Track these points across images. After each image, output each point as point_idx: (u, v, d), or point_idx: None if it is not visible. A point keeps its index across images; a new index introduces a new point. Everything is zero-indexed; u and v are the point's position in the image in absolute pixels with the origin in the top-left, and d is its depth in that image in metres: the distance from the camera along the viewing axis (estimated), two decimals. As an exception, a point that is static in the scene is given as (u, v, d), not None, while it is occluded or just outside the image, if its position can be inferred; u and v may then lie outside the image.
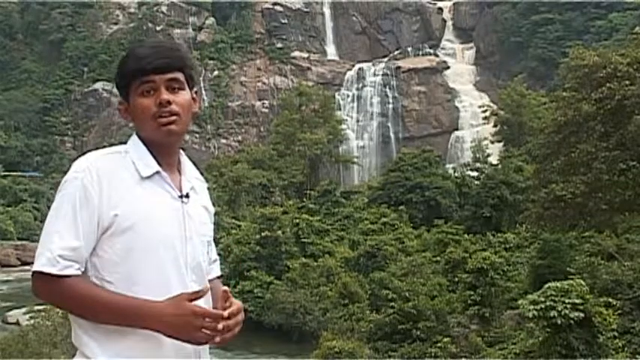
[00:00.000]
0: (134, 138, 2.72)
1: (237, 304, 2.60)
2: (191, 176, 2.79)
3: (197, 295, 2.51)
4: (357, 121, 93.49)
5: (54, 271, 2.50)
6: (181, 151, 2.79)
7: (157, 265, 2.56)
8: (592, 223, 33.37)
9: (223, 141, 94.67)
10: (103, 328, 2.54)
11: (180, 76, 2.69)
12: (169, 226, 2.61)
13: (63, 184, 2.62)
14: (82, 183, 2.57)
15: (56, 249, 2.51)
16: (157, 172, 2.66)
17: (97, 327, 2.55)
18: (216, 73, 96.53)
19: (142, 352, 2.54)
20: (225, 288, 2.65)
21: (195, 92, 2.78)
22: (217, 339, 2.52)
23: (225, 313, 2.53)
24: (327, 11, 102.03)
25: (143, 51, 2.68)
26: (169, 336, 2.50)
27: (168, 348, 2.56)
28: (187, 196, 2.70)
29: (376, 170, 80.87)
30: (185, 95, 2.70)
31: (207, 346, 2.70)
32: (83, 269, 2.56)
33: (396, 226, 48.17)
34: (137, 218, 2.56)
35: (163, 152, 2.69)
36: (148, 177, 2.64)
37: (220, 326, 2.51)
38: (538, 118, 53.96)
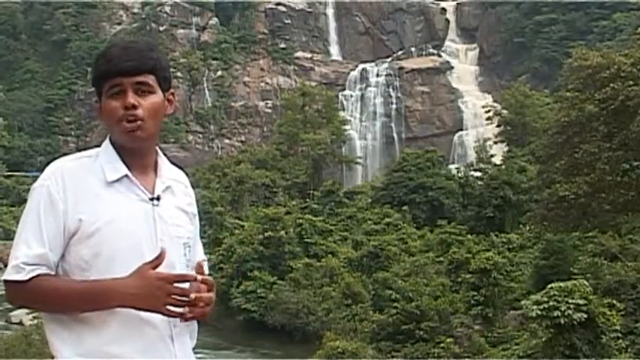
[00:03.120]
0: (106, 142, 2.71)
1: (209, 278, 2.61)
2: (167, 177, 2.76)
3: (158, 261, 2.50)
4: (361, 121, 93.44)
5: (19, 277, 2.52)
6: (159, 152, 2.78)
7: (123, 269, 2.54)
8: (595, 224, 33.35)
9: (226, 141, 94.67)
10: (74, 328, 2.56)
11: (150, 79, 2.65)
12: (137, 229, 2.59)
13: (31, 192, 2.64)
14: (47, 190, 2.59)
15: (21, 256, 2.54)
16: (126, 176, 2.65)
17: (66, 328, 2.57)
18: (219, 73, 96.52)
19: (115, 345, 2.55)
20: (200, 262, 2.66)
21: (172, 94, 2.74)
22: (187, 309, 2.50)
23: (199, 278, 2.55)
24: (330, 11, 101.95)
25: (114, 52, 2.65)
26: (140, 309, 2.50)
27: (140, 334, 2.56)
28: (158, 198, 2.68)
29: (379, 170, 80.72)
30: (154, 99, 2.66)
31: (186, 338, 2.69)
32: (53, 273, 2.58)
33: (399, 227, 48.15)
34: (102, 223, 2.57)
35: (135, 155, 2.67)
36: (116, 181, 2.63)
37: (193, 296, 2.50)
38: (541, 118, 53.85)
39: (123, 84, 2.61)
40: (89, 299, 2.51)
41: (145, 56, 2.66)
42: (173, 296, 2.48)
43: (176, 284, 2.50)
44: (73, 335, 2.57)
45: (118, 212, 2.60)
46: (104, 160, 2.66)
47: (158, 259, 2.50)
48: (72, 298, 2.53)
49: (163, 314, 2.51)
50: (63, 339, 2.59)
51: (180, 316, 2.52)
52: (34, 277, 2.53)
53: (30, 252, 2.54)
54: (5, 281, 2.56)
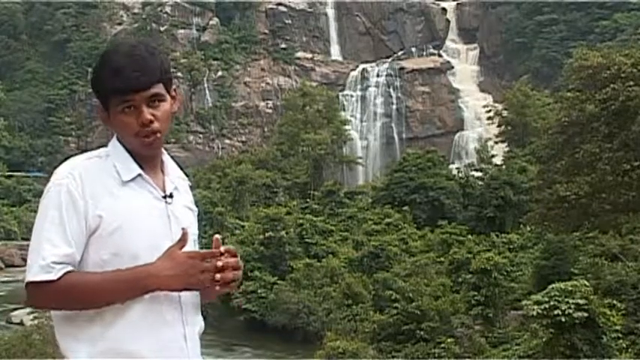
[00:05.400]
0: (114, 141, 2.69)
1: (230, 247, 2.64)
2: (174, 176, 2.78)
3: (183, 242, 2.55)
4: (361, 121, 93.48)
5: (50, 277, 2.49)
6: (164, 151, 2.78)
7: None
8: (596, 224, 33.35)
9: (227, 141, 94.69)
10: (88, 329, 2.55)
11: (160, 88, 2.63)
12: (155, 227, 2.61)
13: (47, 192, 2.61)
14: (67, 188, 2.57)
15: (49, 256, 2.50)
16: (139, 175, 2.65)
17: (79, 329, 2.56)
18: (220, 73, 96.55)
19: (129, 344, 2.54)
20: (217, 236, 2.65)
21: (174, 90, 2.72)
22: (218, 276, 2.54)
23: (222, 249, 2.59)
24: (330, 12, 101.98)
25: (120, 62, 2.59)
26: (175, 289, 2.55)
27: (154, 333, 2.57)
28: (171, 196, 2.70)
29: (380, 171, 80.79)
30: (165, 106, 2.65)
31: (197, 336, 2.70)
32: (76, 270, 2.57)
33: (399, 227, 48.13)
34: (122, 221, 2.56)
35: (145, 156, 2.68)
36: (130, 180, 2.63)
37: (220, 263, 2.55)
38: (542, 118, 53.88)
39: (135, 100, 2.59)
40: (124, 286, 2.51)
41: (153, 66, 2.62)
42: (205, 273, 2.54)
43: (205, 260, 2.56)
44: (85, 335, 2.56)
45: (136, 210, 2.60)
46: (116, 159, 2.65)
47: (183, 241, 2.55)
48: (105, 289, 2.51)
49: (196, 289, 2.59)
50: (76, 339, 2.57)
51: (215, 283, 2.57)
52: (63, 275, 2.51)
53: (58, 251, 2.51)
54: (32, 283, 2.51)
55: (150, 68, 2.61)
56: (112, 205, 2.58)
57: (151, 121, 2.61)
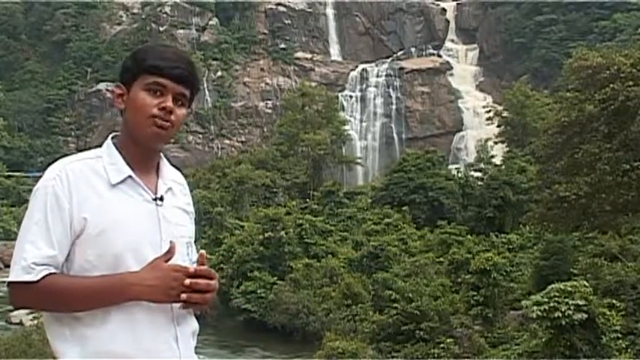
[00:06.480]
0: (108, 142, 2.72)
1: (203, 267, 2.62)
2: (168, 179, 2.79)
3: (169, 255, 2.56)
4: (361, 121, 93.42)
5: (30, 278, 2.51)
6: (161, 155, 2.81)
7: (128, 269, 2.56)
8: (595, 224, 33.36)
9: (227, 141, 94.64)
10: (77, 329, 2.55)
11: (187, 92, 2.72)
12: (141, 229, 2.61)
13: (34, 192, 2.62)
14: (53, 190, 2.58)
15: (30, 257, 2.52)
16: (129, 177, 2.66)
17: (68, 329, 2.56)
18: (219, 73, 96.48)
19: (119, 344, 2.54)
20: (202, 251, 2.67)
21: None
22: (183, 296, 2.53)
23: (191, 269, 2.57)
24: (330, 12, 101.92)
25: (168, 52, 2.71)
26: (156, 301, 2.53)
27: (144, 334, 2.57)
28: (162, 198, 2.70)
29: (379, 171, 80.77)
30: (184, 111, 2.73)
31: (189, 337, 2.69)
32: (59, 272, 2.57)
33: (399, 227, 48.13)
34: (107, 223, 2.57)
35: (140, 156, 2.69)
36: (120, 182, 2.64)
37: (187, 282, 2.53)
38: (542, 118, 53.88)
39: (167, 87, 2.66)
40: (105, 294, 2.52)
41: (194, 73, 2.74)
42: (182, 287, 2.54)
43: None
44: (75, 336, 2.56)
45: (123, 213, 2.61)
46: (107, 161, 2.67)
47: (170, 253, 2.55)
48: (86, 294, 2.52)
49: (174, 302, 2.56)
50: (66, 340, 2.58)
51: (183, 301, 2.56)
52: (43, 277, 2.52)
53: (40, 253, 2.53)
54: (13, 283, 2.54)
55: (193, 72, 2.73)
56: (98, 208, 2.58)
57: (171, 112, 2.65)
